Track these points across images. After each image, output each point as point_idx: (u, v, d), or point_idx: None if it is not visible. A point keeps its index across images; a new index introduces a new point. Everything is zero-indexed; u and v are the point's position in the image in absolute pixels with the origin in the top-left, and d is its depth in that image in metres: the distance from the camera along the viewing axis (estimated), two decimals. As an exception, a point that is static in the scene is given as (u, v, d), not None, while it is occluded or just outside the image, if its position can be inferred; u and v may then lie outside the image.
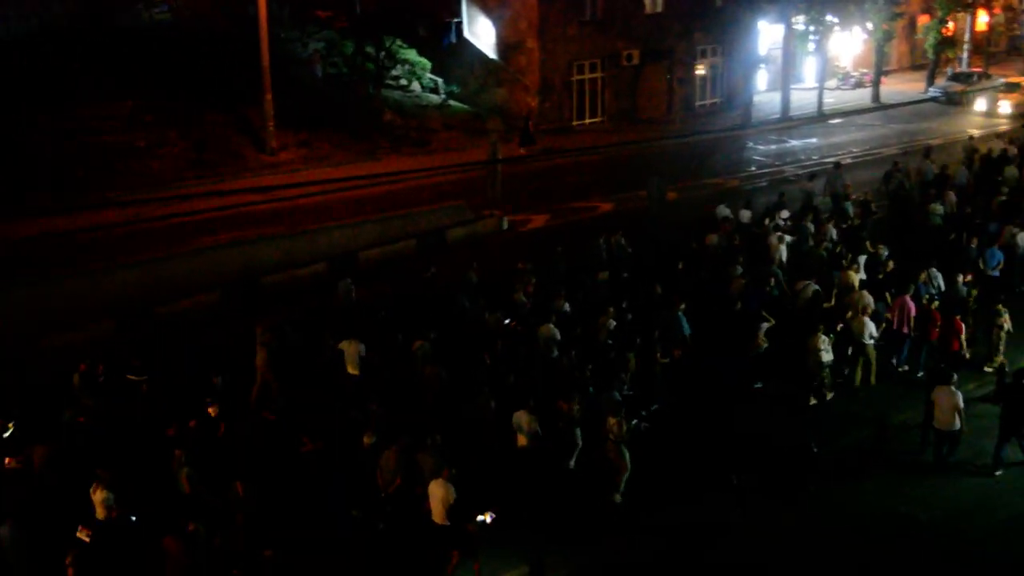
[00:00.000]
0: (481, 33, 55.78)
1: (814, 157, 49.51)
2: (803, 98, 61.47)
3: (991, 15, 74.50)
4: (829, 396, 24.45)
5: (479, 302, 26.23)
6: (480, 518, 17.85)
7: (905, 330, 25.50)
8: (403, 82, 53.60)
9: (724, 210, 33.94)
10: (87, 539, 16.99)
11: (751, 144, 52.82)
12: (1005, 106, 61.22)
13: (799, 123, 57.67)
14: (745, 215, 33.87)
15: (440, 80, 54.93)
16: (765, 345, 24.36)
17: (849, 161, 46.69)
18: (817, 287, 26.99)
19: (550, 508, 19.69)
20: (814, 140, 53.78)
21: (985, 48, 74.42)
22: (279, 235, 35.44)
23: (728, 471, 20.70)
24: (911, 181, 38.23)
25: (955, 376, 21.70)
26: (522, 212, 39.73)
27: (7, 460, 19.09)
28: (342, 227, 36.31)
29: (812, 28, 59.58)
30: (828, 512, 20.26)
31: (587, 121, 55.79)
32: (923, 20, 71.71)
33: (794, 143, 53.03)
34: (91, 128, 41.90)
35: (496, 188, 38.27)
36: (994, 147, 42.70)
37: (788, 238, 30.71)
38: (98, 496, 17.95)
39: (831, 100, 62.00)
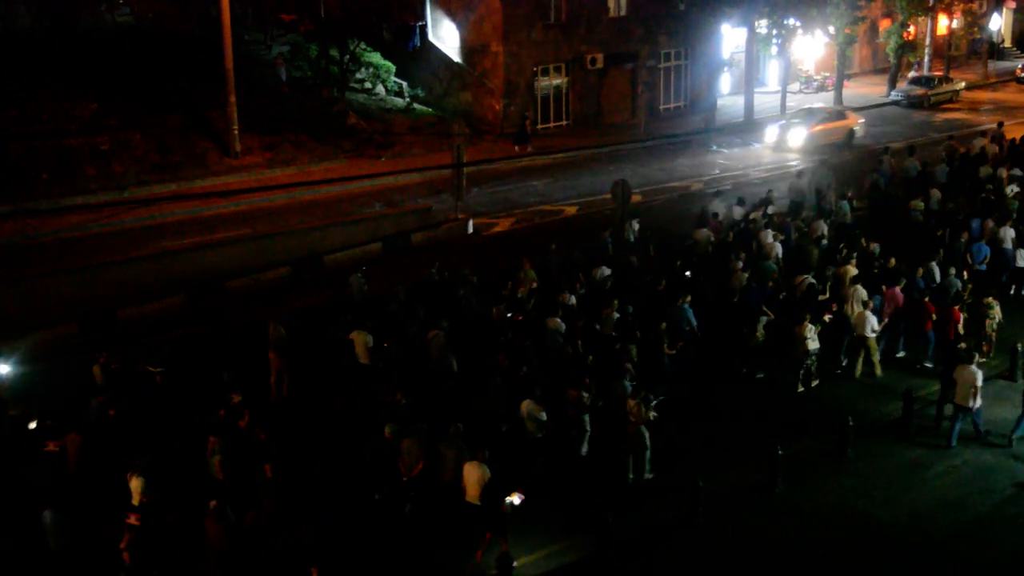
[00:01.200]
0: (446, 36, 55.77)
1: (778, 160, 49.78)
2: (766, 101, 61.88)
3: (952, 19, 75.17)
4: (815, 383, 25.49)
5: (481, 297, 27.11)
6: (509, 499, 18.54)
7: (886, 316, 26.56)
8: (368, 85, 53.57)
9: (716, 207, 34.71)
10: (137, 523, 17.61)
11: (715, 147, 53.00)
12: (796, 137, 51.43)
13: (762, 126, 57.94)
14: (738, 212, 34.55)
15: (405, 84, 54.92)
16: (763, 338, 25.50)
17: (809, 164, 46.97)
18: (813, 281, 28.03)
19: (565, 492, 20.56)
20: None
21: (946, 52, 75.08)
22: (243, 238, 35.32)
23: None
24: (894, 179, 39.91)
25: (976, 356, 23.19)
26: (487, 215, 39.76)
27: (49, 444, 20.02)
28: (307, 230, 36.24)
29: (775, 32, 59.92)
30: (794, 512, 20.46)
31: (551, 125, 55.82)
32: (884, 24, 72.26)
33: (757, 146, 53.21)
34: (54, 131, 41.62)
35: (461, 191, 38.26)
36: (973, 146, 44.06)
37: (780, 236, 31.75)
38: (135, 483, 18.57)
39: (794, 104, 62.34)
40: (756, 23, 59.43)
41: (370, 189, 41.81)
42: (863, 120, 54.11)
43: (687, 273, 28.93)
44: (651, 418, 21.27)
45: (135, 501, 18.44)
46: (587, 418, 21.81)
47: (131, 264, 32.04)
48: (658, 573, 18.81)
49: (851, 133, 52.45)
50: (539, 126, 54.74)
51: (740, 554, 19.17)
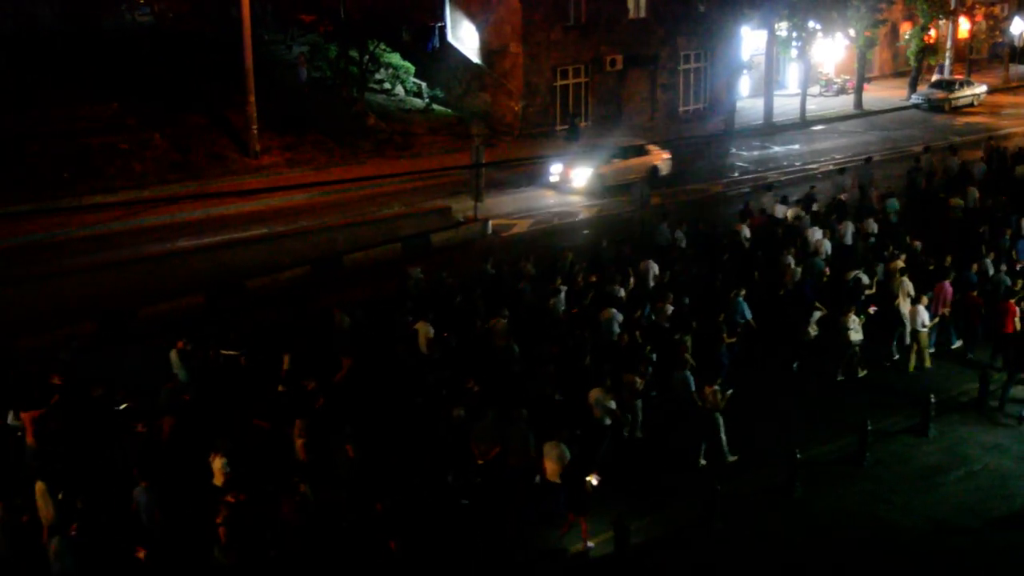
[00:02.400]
0: (465, 38, 55.80)
1: (797, 163, 49.75)
2: (786, 104, 61.67)
3: (973, 22, 74.83)
4: (861, 374, 26.44)
5: (537, 289, 27.94)
6: (589, 479, 19.29)
7: (942, 311, 27.48)
8: (387, 86, 53.63)
9: (763, 203, 36.36)
10: (233, 500, 18.26)
11: (734, 150, 52.92)
12: (580, 176, 43.19)
13: (782, 129, 57.87)
14: (780, 209, 35.33)
15: (424, 84, 54.93)
16: (815, 333, 26.37)
17: (831, 167, 46.90)
18: (862, 275, 28.84)
19: (629, 476, 21.40)
20: (796, 146, 53.98)
21: (967, 56, 74.73)
22: (262, 237, 35.41)
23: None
24: (937, 178, 40.72)
25: None
26: (506, 216, 39.78)
27: (138, 426, 20.75)
28: (326, 230, 36.30)
29: (795, 34, 59.69)
30: (811, 516, 20.44)
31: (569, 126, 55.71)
32: (905, 27, 72.00)
33: (777, 149, 53.18)
34: (74, 130, 41.79)
35: (480, 192, 38.29)
36: (1011, 146, 45.37)
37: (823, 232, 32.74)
38: (217, 463, 19.39)
39: (813, 107, 62.17)
40: (776, 26, 59.27)
41: (389, 189, 41.83)
42: (668, 156, 45.63)
43: (734, 268, 30.02)
44: (722, 405, 22.02)
45: (217, 481, 19.27)
46: (639, 404, 22.66)
47: (150, 263, 32.18)
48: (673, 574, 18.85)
49: (654, 170, 44.80)
50: (557, 127, 54.71)
51: (757, 558, 19.16)
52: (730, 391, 22.31)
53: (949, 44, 72.71)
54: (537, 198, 43.16)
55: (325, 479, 19.39)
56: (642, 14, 56.96)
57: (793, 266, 29.09)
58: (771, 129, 57.65)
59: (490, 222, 38.06)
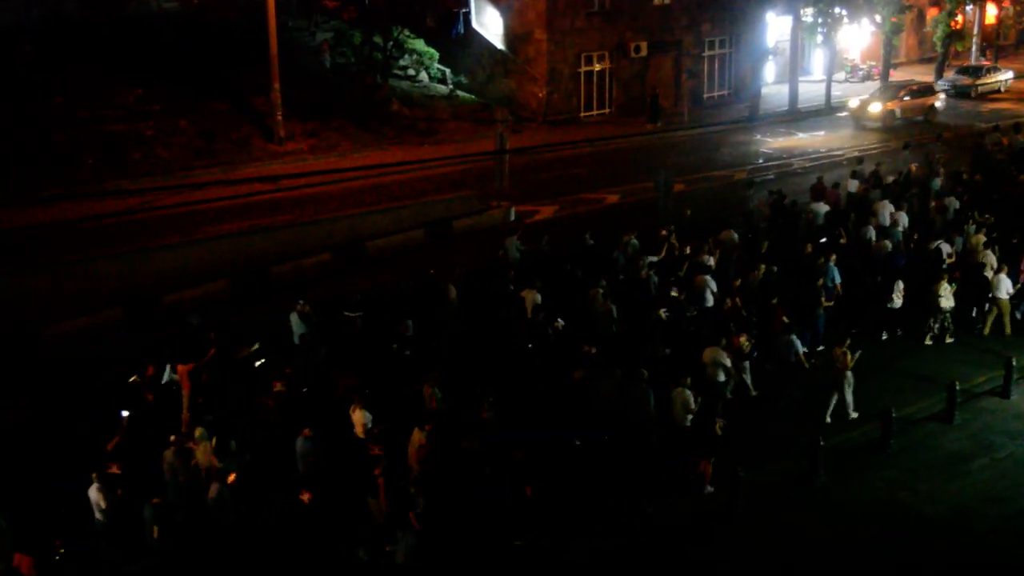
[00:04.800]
0: (489, 23, 55.74)
1: (822, 150, 49.49)
2: (811, 90, 61.26)
3: (1000, 8, 74.30)
4: (949, 340, 27.60)
5: (633, 261, 29.07)
6: (719, 422, 21.65)
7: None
8: (411, 72, 53.61)
9: (843, 180, 37.41)
10: (380, 452, 19.60)
11: (759, 136, 52.72)
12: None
13: (807, 115, 57.61)
14: (852, 184, 36.44)
15: (448, 70, 54.93)
16: (900, 302, 27.38)
17: (857, 154, 46.62)
18: (943, 245, 30.08)
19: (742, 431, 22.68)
20: (822, 133, 53.70)
21: (994, 41, 74.20)
22: (286, 224, 35.49)
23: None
24: (1005, 153, 42.01)
25: None
26: (529, 203, 39.75)
27: (276, 384, 22.01)
28: (350, 216, 36.35)
29: (820, 20, 59.27)
30: (834, 504, 20.43)
31: (595, 112, 55.73)
32: (932, 13, 71.58)
33: (802, 136, 52.93)
34: (100, 116, 41.99)
35: (504, 179, 38.24)
36: None
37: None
38: (357, 416, 20.74)
39: (839, 93, 61.69)
40: (802, 11, 58.93)
41: (412, 176, 41.85)
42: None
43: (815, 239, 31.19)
44: (852, 365, 23.21)
45: (358, 433, 20.63)
46: (748, 364, 24.08)
47: (175, 249, 32.33)
48: (696, 560, 18.89)
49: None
50: (581, 114, 54.66)
51: (779, 545, 19.17)
52: (859, 352, 23.38)
53: (976, 30, 72.23)
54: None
55: (461, 430, 20.52)
56: (667, 0, 56.76)
57: (874, 238, 30.62)
58: (796, 115, 57.36)
59: (513, 209, 38.00)
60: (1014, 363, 24.48)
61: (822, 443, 20.92)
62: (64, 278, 29.69)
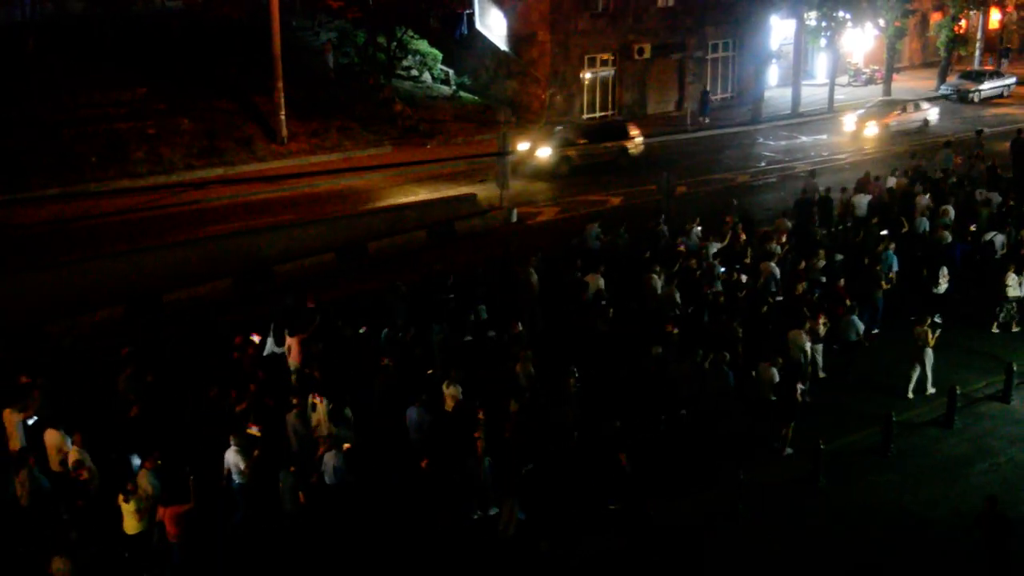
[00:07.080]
0: (493, 25, 55.77)
1: (824, 153, 49.50)
2: (814, 94, 61.32)
3: (1004, 13, 74.28)
4: (1015, 329, 28.61)
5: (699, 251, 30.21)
6: (800, 387, 22.68)
7: None
8: (414, 73, 53.67)
9: (888, 176, 38.16)
10: (483, 417, 20.59)
11: (761, 140, 52.72)
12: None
13: (810, 119, 57.60)
14: (891, 180, 37.38)
15: (451, 71, 54.96)
16: (946, 287, 28.85)
17: (858, 159, 46.64)
18: (1000, 235, 31.70)
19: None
20: (824, 136, 53.66)
21: (998, 46, 74.16)
22: (288, 223, 35.53)
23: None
24: None
25: None
26: (531, 204, 39.77)
27: (383, 359, 22.93)
28: (352, 216, 36.38)
29: (824, 24, 59.41)
30: (835, 507, 20.47)
31: (597, 115, 55.72)
32: (935, 17, 71.53)
33: (804, 139, 52.93)
34: (103, 114, 42.03)
35: (505, 180, 38.26)
36: None
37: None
38: (450, 390, 22.02)
39: (842, 96, 61.77)
40: (805, 15, 59.02)
41: (415, 176, 41.85)
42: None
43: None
44: (932, 343, 24.55)
45: (447, 407, 21.87)
46: (820, 347, 25.19)
47: (177, 248, 32.38)
48: (698, 561, 18.98)
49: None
50: (585, 116, 54.67)
51: (780, 546, 19.19)
52: (939, 330, 24.71)
53: (980, 35, 72.19)
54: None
55: (552, 401, 21.88)
56: (670, 2, 56.84)
57: (927, 229, 32.01)
58: (799, 119, 57.35)
59: (515, 210, 38.03)
60: (1015, 368, 24.48)
61: (822, 446, 20.98)
62: (66, 275, 29.68)
